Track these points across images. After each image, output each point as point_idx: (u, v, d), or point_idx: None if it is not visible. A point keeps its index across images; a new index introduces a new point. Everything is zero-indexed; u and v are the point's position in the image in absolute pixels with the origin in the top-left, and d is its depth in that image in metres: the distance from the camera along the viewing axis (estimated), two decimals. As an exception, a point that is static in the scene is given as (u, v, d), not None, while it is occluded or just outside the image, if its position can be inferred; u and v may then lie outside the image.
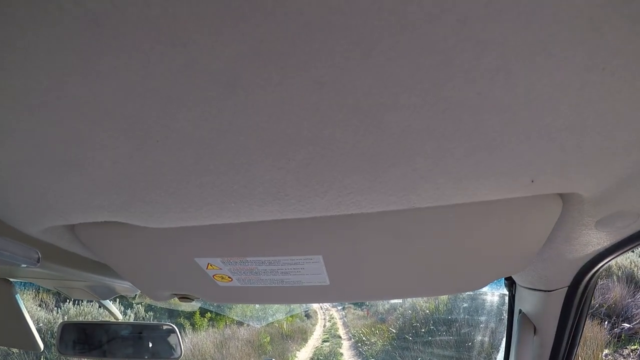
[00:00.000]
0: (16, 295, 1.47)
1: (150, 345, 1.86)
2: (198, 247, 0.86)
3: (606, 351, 7.64)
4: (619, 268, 9.46)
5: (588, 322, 7.79)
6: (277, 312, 12.87)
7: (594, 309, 8.47)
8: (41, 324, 7.87)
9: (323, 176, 0.58)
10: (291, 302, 1.27)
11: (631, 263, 9.55)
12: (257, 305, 11.25)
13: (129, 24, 0.37)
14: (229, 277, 1.01)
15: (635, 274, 9.29)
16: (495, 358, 1.87)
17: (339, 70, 0.41)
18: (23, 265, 0.84)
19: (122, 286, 1.49)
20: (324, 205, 0.67)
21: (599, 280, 8.53)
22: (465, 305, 9.78)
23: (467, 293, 8.84)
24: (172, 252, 0.89)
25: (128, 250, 0.90)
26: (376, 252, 0.86)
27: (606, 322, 8.15)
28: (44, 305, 8.97)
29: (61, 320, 1.87)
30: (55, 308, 8.91)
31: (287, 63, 0.40)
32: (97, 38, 0.38)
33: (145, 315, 9.77)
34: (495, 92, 0.43)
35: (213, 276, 1.01)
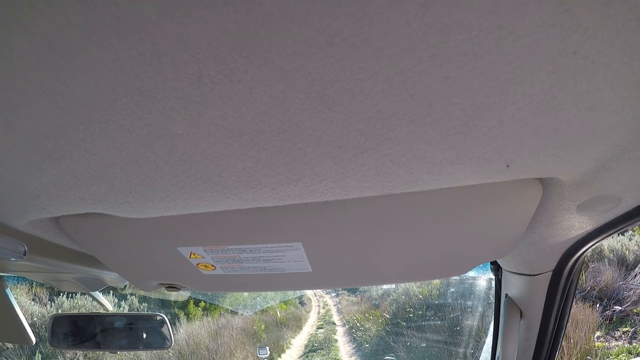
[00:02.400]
0: (7, 290, 1.47)
1: (141, 335, 1.86)
2: (180, 237, 0.87)
3: (598, 333, 7.72)
4: (611, 251, 9.54)
5: (580, 304, 7.87)
6: (268, 299, 12.91)
7: (586, 291, 8.55)
8: (35, 319, 7.86)
9: (294, 164, 0.58)
10: (275, 289, 1.27)
11: (622, 246, 9.62)
12: (245, 294, 11.26)
13: (98, 20, 0.37)
14: (212, 266, 1.02)
15: (627, 256, 9.37)
16: (485, 342, 1.89)
17: (303, 58, 0.41)
18: (12, 259, 0.84)
19: (110, 277, 1.49)
20: (298, 193, 0.67)
21: (590, 263, 8.62)
22: (457, 290, 9.84)
23: (459, 278, 8.87)
24: (155, 241, 0.90)
25: (112, 241, 0.91)
26: (355, 239, 0.86)
27: (598, 305, 8.23)
28: (38, 300, 8.96)
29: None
30: (49, 302, 8.90)
31: (251, 53, 0.40)
32: (69, 35, 0.38)
33: (139, 307, 9.78)
34: (463, 76, 0.43)
35: (197, 265, 1.02)
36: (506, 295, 1.31)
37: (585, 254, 1.00)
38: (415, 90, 0.45)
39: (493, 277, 1.40)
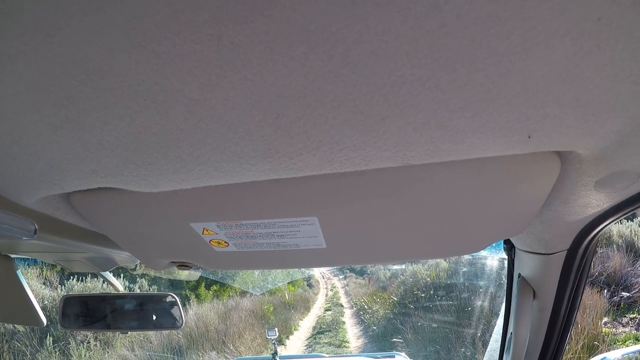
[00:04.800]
0: (17, 272, 1.48)
1: (152, 315, 1.88)
2: (193, 212, 0.86)
3: (605, 319, 7.74)
4: (620, 236, 9.52)
5: (588, 290, 7.88)
6: (276, 280, 13.01)
7: (594, 277, 8.56)
8: (46, 302, 7.97)
9: (314, 132, 0.57)
10: (288, 266, 1.27)
11: (632, 232, 9.61)
12: (255, 274, 11.34)
13: None
14: (225, 242, 1.01)
15: (636, 242, 9.36)
16: (496, 323, 1.89)
17: (326, 17, 0.39)
18: (24, 239, 0.84)
19: (120, 256, 1.49)
20: (316, 163, 0.66)
21: (599, 248, 8.62)
22: (465, 271, 9.88)
23: (468, 259, 8.87)
24: (168, 217, 0.89)
25: (124, 217, 0.90)
26: (371, 214, 0.85)
27: (606, 291, 8.24)
28: (48, 283, 9.09)
29: (65, 297, 1.91)
30: (60, 285, 9.02)
31: (273, 12, 0.39)
32: None
33: (149, 289, 9.90)
34: (489, 40, 0.42)
35: (209, 242, 1.01)
36: (519, 275, 1.30)
37: (601, 232, 0.99)
38: (440, 54, 0.44)
39: (502, 257, 1.40)
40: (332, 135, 0.58)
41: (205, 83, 0.48)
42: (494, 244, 1.08)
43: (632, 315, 7.87)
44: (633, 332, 7.40)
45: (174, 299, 1.87)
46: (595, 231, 0.98)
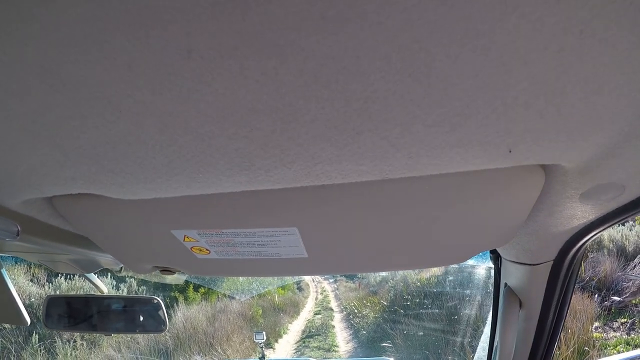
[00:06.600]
0: (2, 270, 1.47)
1: (137, 318, 1.88)
2: (173, 219, 0.86)
3: (596, 324, 7.78)
4: (611, 241, 9.57)
5: (578, 294, 7.92)
6: (265, 284, 12.98)
7: (585, 281, 8.60)
8: (33, 299, 7.92)
9: (288, 145, 0.57)
10: (270, 274, 1.27)
11: (622, 236, 9.66)
12: (241, 279, 11.33)
13: None
14: (207, 250, 1.00)
15: (626, 247, 9.41)
16: (484, 331, 1.89)
17: (295, 32, 0.39)
18: (7, 240, 0.83)
19: (105, 259, 1.50)
20: (292, 176, 0.66)
21: (590, 253, 8.65)
22: (455, 278, 9.89)
23: (457, 267, 8.91)
24: (149, 224, 0.89)
25: (105, 222, 0.90)
26: (352, 225, 0.85)
27: (596, 295, 8.28)
28: (36, 281, 9.02)
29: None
30: (47, 283, 8.96)
31: (242, 26, 0.38)
32: (54, 7, 0.37)
33: (138, 290, 9.86)
34: (465, 54, 0.41)
35: (191, 248, 1.00)
36: (505, 284, 1.30)
37: (587, 243, 0.99)
38: (414, 69, 0.43)
39: (492, 266, 1.40)
40: (307, 149, 0.58)
41: (177, 96, 0.48)
42: (480, 253, 1.07)
43: (622, 320, 7.91)
44: (624, 336, 7.44)
45: (158, 302, 1.86)
46: (581, 242, 0.97)
